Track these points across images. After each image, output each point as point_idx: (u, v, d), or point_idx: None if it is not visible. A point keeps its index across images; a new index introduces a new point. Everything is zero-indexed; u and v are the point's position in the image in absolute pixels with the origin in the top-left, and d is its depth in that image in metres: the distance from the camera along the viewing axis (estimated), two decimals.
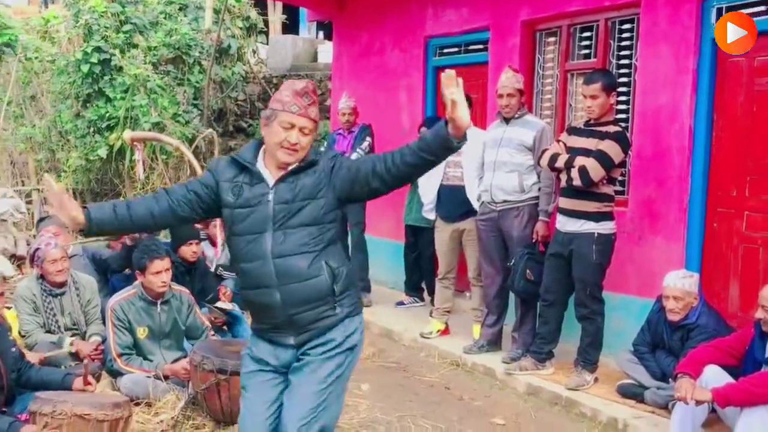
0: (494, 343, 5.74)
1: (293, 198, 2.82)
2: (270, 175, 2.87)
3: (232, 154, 2.97)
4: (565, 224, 4.92)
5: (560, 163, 4.83)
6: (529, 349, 5.32)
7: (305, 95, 2.83)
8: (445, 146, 2.68)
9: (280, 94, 2.85)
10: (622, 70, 5.73)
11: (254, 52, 12.57)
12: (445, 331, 6.18)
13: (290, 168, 2.85)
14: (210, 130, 9.95)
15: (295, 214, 2.81)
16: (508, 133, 5.43)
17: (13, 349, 4.02)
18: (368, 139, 7.05)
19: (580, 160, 4.71)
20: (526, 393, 5.11)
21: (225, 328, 5.69)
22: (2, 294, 3.84)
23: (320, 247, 2.83)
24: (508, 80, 5.40)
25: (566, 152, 4.87)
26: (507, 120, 5.47)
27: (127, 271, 5.87)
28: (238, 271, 2.95)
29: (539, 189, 5.39)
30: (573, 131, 5.00)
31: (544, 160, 4.97)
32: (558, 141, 5.04)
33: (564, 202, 4.92)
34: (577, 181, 4.71)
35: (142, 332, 4.81)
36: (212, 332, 5.20)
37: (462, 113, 2.62)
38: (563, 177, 4.87)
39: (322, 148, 6.55)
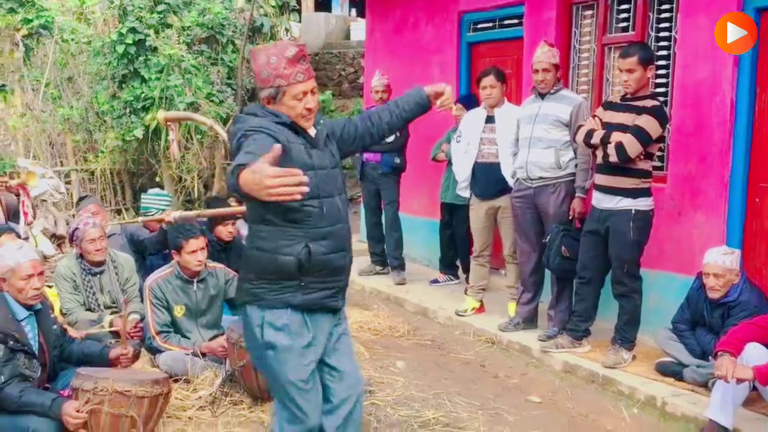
0: (530, 320, 5.71)
1: (332, 162, 2.93)
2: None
3: (268, 124, 2.77)
4: (601, 201, 4.85)
5: (596, 139, 4.76)
6: (565, 327, 5.28)
7: (302, 59, 2.80)
8: (423, 111, 3.15)
9: (275, 67, 2.76)
10: (662, 43, 5.60)
11: (287, 30, 12.53)
12: (480, 309, 6.16)
13: (317, 131, 2.93)
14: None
15: (340, 179, 2.94)
16: (544, 109, 5.36)
17: (55, 327, 4.10)
18: None
19: (616, 136, 4.63)
20: (563, 371, 5.08)
21: None
22: (43, 273, 3.91)
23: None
24: (544, 55, 5.32)
25: (602, 128, 4.78)
26: (542, 95, 5.40)
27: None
28: (315, 237, 2.80)
29: (576, 165, 5.32)
30: (609, 106, 4.91)
31: (580, 136, 4.89)
32: (594, 116, 4.95)
33: (600, 179, 4.85)
34: (613, 158, 4.63)
35: (179, 310, 4.87)
36: None
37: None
38: (599, 153, 4.79)
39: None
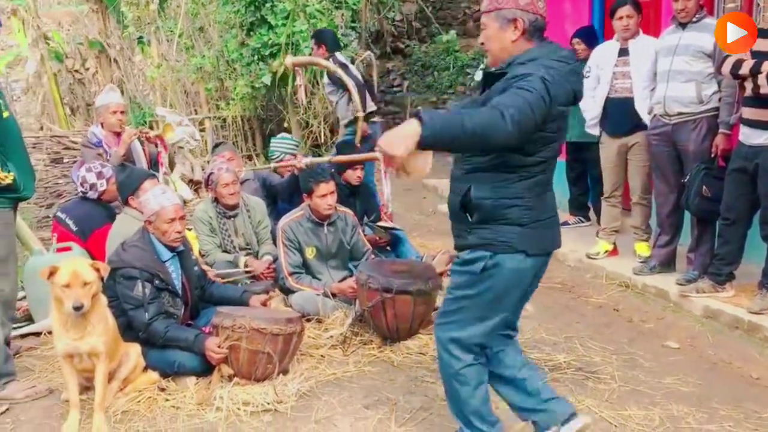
0: (667, 264, 5.46)
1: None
2: None
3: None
4: (749, 136, 4.51)
5: (745, 69, 4.40)
6: (706, 271, 5.01)
7: None
8: None
9: None
10: None
11: None
12: (614, 252, 5.95)
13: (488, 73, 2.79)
14: (368, 52, 9.98)
15: None
16: (685, 39, 5.01)
17: (196, 268, 4.30)
18: None
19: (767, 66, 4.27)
20: (703, 316, 4.84)
21: (389, 248, 5.78)
22: (183, 217, 4.08)
23: (469, 168, 2.75)
24: None
25: (751, 57, 4.42)
26: (683, 25, 5.05)
27: None
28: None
29: (719, 99, 4.97)
30: (760, 34, 4.51)
31: (726, 67, 4.54)
32: None
33: (748, 113, 4.50)
34: (764, 89, 4.27)
35: (310, 252, 4.98)
36: (373, 255, 5.29)
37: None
38: (748, 85, 4.44)
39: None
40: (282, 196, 6.05)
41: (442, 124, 2.38)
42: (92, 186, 5.05)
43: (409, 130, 2.36)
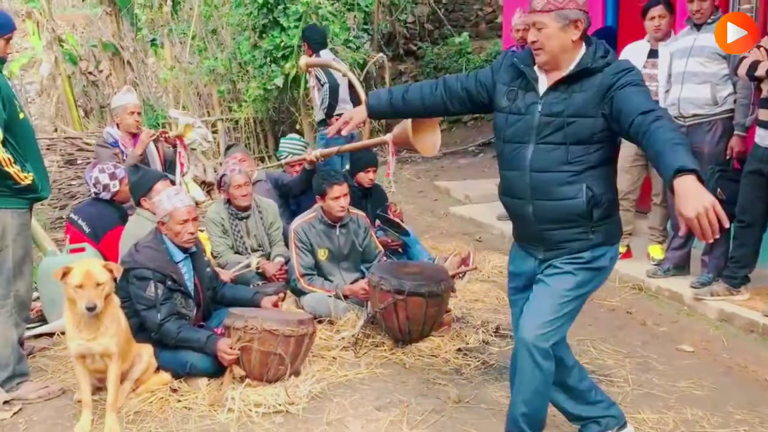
0: (681, 266, 5.42)
1: (561, 111, 2.72)
2: (545, 82, 2.79)
3: (514, 59, 2.89)
4: (765, 138, 4.48)
5: (761, 71, 4.37)
6: (721, 274, 4.97)
7: None
8: None
9: None
10: None
11: None
12: (627, 255, 5.89)
13: (563, 74, 2.74)
14: (380, 54, 9.98)
15: (560, 129, 2.72)
16: (700, 41, 4.98)
17: (208, 269, 4.30)
18: None
19: None
20: (718, 319, 4.80)
21: (401, 250, 5.77)
22: (196, 218, 4.09)
23: (582, 167, 2.72)
24: None
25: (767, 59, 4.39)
26: (698, 26, 5.01)
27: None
28: (500, 176, 2.98)
29: (734, 101, 4.93)
30: None
31: (743, 69, 4.51)
32: (759, 47, 4.54)
33: (765, 114, 4.48)
34: None
35: (322, 254, 4.98)
36: (384, 257, 5.28)
37: None
38: (764, 87, 4.41)
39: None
40: (294, 192, 6.05)
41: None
42: (105, 187, 5.07)
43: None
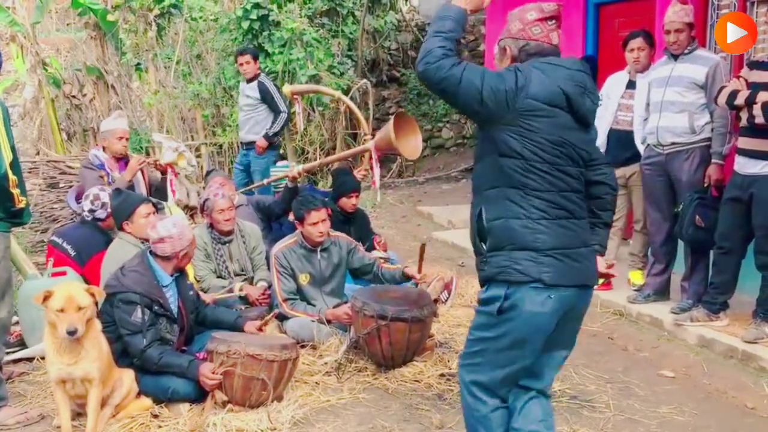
0: (661, 292, 5.47)
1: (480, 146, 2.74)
2: None
3: None
4: (744, 166, 4.56)
5: (740, 100, 4.46)
6: (701, 300, 5.02)
7: (552, 19, 2.73)
8: None
9: (522, 17, 2.76)
10: None
11: (406, 0, 12.49)
12: (606, 286, 5.83)
13: None
14: (364, 80, 10.04)
15: (479, 143, 2.70)
16: (677, 71, 5.07)
17: (191, 292, 4.29)
18: None
19: (763, 96, 4.34)
20: (698, 345, 4.84)
21: None
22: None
23: (483, 187, 2.63)
24: (676, 14, 5.03)
25: (747, 88, 4.48)
26: (675, 56, 5.11)
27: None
28: None
29: (711, 130, 5.02)
30: (755, 65, 4.59)
31: (722, 98, 4.60)
32: (738, 77, 4.64)
33: (744, 142, 4.56)
34: (759, 119, 4.34)
35: (304, 278, 4.98)
36: (383, 260, 5.26)
37: None
38: (743, 115, 4.50)
39: None
40: (276, 212, 6.07)
41: None
42: (104, 204, 5.05)
43: None
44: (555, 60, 2.68)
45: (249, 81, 7.76)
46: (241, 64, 7.79)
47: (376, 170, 4.90)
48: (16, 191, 3.72)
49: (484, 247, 2.60)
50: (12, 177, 3.69)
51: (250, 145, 7.84)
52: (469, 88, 2.49)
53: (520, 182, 2.54)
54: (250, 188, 7.06)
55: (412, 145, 3.44)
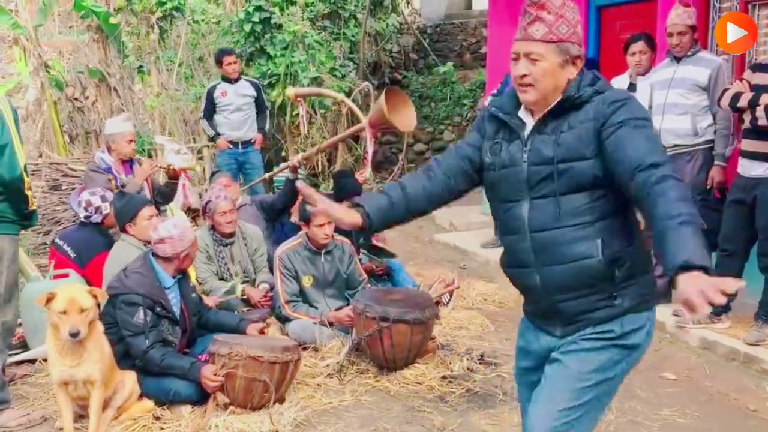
0: (663, 295, 5.44)
1: (551, 157, 2.21)
2: (531, 125, 2.30)
3: (492, 108, 2.42)
4: (748, 168, 4.56)
5: (743, 102, 4.47)
6: None
7: (526, 13, 2.25)
8: None
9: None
10: None
11: (408, 2, 12.51)
12: None
13: (546, 110, 2.26)
14: (366, 83, 10.04)
15: (556, 178, 2.20)
16: (680, 73, 5.07)
17: (194, 295, 4.30)
18: None
19: (766, 98, 4.35)
20: (700, 347, 4.84)
21: (385, 276, 5.78)
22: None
23: (592, 219, 2.20)
24: (678, 17, 5.03)
25: (750, 91, 4.48)
26: (678, 59, 5.11)
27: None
28: (502, 244, 2.45)
29: (714, 132, 5.02)
30: (758, 68, 4.60)
31: (725, 100, 4.60)
32: (741, 80, 4.65)
33: (747, 144, 4.56)
34: (762, 121, 4.35)
35: (307, 281, 4.98)
36: (368, 285, 5.28)
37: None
38: (746, 117, 4.50)
39: None
40: (278, 206, 6.06)
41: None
42: (97, 209, 5.05)
43: None
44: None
45: (235, 81, 7.75)
46: (229, 64, 7.71)
47: (370, 147, 4.88)
48: (30, 193, 3.75)
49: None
50: (27, 179, 3.73)
51: (247, 144, 7.85)
52: None
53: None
54: (254, 183, 7.09)
55: (406, 118, 3.37)
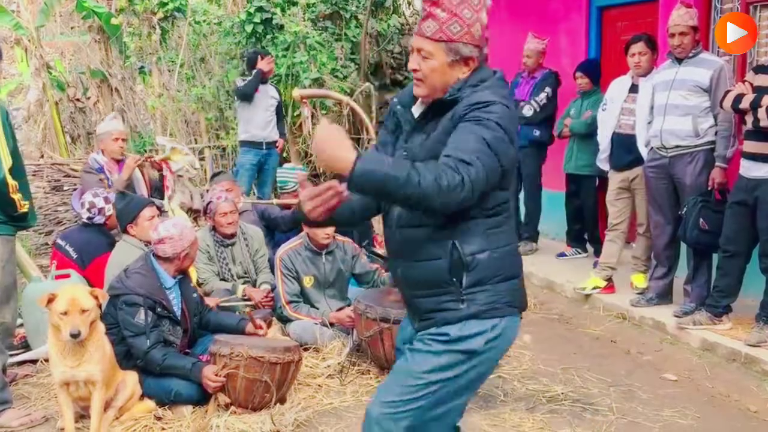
0: (664, 296, 5.47)
1: (418, 154, 2.22)
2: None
3: (393, 100, 2.46)
4: (749, 169, 4.56)
5: (745, 103, 4.47)
6: (703, 303, 5.01)
7: (423, 8, 2.21)
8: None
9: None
10: None
11: (409, 3, 12.49)
12: (608, 289, 5.83)
13: (424, 108, 2.30)
14: (367, 84, 10.05)
15: None
16: (681, 74, 5.07)
17: (195, 295, 4.30)
18: (548, 89, 6.78)
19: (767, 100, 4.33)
20: (701, 348, 4.84)
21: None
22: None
23: (448, 221, 2.19)
24: (680, 18, 5.02)
25: (752, 92, 4.49)
26: (679, 60, 5.11)
27: None
28: None
29: (715, 133, 5.02)
30: (760, 69, 4.60)
31: (727, 102, 4.61)
32: (743, 81, 4.65)
33: (749, 146, 4.56)
34: (764, 122, 4.34)
35: (308, 281, 4.98)
36: (383, 269, 5.27)
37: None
38: (748, 119, 4.51)
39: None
40: (281, 228, 6.05)
41: (378, 171, 1.99)
42: (100, 210, 5.07)
43: (341, 154, 2.00)
44: (501, 77, 2.34)
45: (264, 82, 7.74)
46: (272, 62, 7.86)
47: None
48: (17, 196, 3.71)
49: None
50: (12, 182, 3.68)
51: (270, 145, 7.86)
52: (494, 173, 2.13)
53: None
54: (260, 203, 7.06)
55: None
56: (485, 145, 2.08)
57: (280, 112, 8.03)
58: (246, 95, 7.58)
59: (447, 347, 2.25)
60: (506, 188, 2.26)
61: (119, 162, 5.85)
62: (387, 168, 2.00)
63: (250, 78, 7.56)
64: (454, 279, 2.23)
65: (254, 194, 7.88)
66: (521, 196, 7.14)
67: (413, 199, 2.01)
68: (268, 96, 7.80)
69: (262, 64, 7.62)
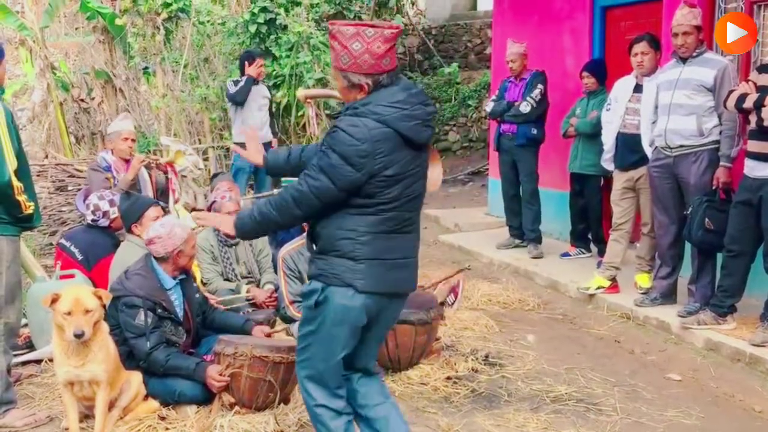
0: (668, 295, 5.45)
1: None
2: None
3: None
4: (754, 169, 4.55)
5: (749, 103, 4.46)
6: (708, 303, 5.00)
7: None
8: None
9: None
10: None
11: (413, 3, 12.53)
12: (612, 289, 5.82)
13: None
14: None
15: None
16: (686, 74, 5.06)
17: (197, 295, 4.30)
18: (540, 86, 6.83)
19: None
20: (705, 348, 4.83)
21: None
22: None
23: (328, 210, 2.81)
24: (684, 17, 5.01)
25: (756, 92, 4.48)
26: (683, 60, 5.10)
27: None
28: None
29: (720, 132, 5.00)
30: (764, 69, 4.59)
31: (731, 101, 4.60)
32: (747, 81, 4.64)
33: (753, 145, 4.55)
34: None
35: None
36: None
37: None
38: (752, 118, 4.50)
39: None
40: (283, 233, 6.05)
41: (248, 222, 2.87)
42: (104, 214, 5.08)
43: (225, 224, 2.94)
44: (395, 99, 2.80)
45: (256, 83, 7.73)
46: (261, 66, 7.78)
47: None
48: (22, 198, 3.72)
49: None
50: (17, 184, 3.69)
51: (266, 146, 7.81)
52: (327, 193, 2.77)
53: None
54: (260, 196, 7.07)
55: (431, 179, 3.44)
56: (317, 169, 2.71)
57: (271, 111, 8.04)
58: (237, 102, 7.61)
59: (305, 301, 2.88)
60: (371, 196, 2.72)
61: (127, 162, 5.86)
62: (249, 216, 2.87)
63: (241, 84, 7.55)
64: (312, 242, 2.88)
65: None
66: (521, 195, 7.14)
67: (281, 221, 2.83)
68: (260, 96, 7.79)
69: (250, 70, 7.61)
